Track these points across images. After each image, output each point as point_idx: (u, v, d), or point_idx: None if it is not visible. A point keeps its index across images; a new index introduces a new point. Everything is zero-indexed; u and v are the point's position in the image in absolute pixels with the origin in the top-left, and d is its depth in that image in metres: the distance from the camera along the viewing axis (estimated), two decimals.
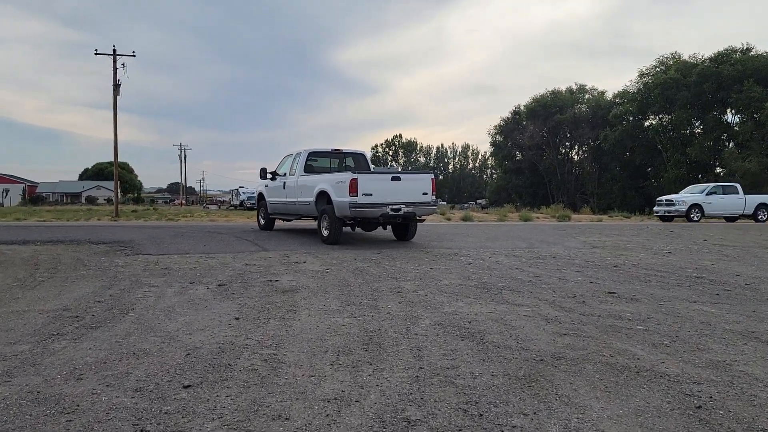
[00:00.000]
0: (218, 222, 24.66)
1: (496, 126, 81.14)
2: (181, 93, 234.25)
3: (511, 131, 77.56)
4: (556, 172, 73.05)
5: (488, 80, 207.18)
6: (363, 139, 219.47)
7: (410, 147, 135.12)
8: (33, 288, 6.62)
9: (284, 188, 13.64)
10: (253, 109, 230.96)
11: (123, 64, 33.11)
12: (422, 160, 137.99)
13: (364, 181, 10.78)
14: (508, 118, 79.18)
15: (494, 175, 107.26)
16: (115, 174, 35.62)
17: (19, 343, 4.15)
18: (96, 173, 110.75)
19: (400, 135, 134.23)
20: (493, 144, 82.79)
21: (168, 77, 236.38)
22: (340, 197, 11.04)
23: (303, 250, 10.48)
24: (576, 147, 76.02)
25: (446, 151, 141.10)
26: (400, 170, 12.35)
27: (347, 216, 11.08)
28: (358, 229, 13.75)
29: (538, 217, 28.53)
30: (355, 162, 13.88)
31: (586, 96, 73.85)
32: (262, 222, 15.82)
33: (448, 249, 10.99)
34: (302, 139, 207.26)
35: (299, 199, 12.86)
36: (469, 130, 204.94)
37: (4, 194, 79.69)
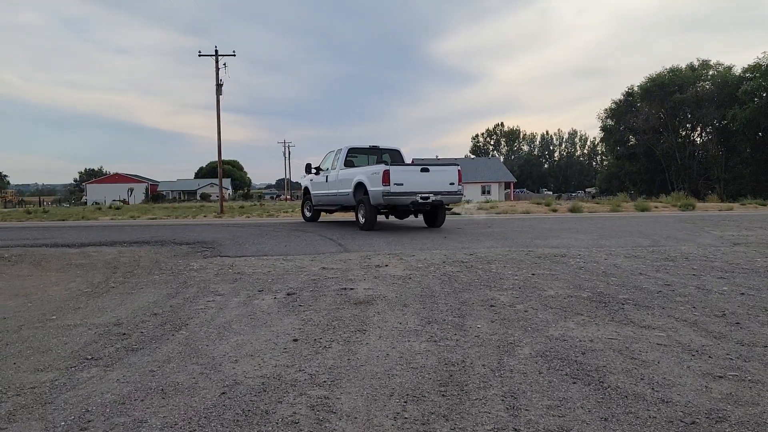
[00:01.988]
0: None
1: (606, 109, 76.07)
2: (287, 91, 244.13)
3: (623, 114, 72.27)
4: (676, 157, 67.04)
5: (597, 62, 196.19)
6: (464, 129, 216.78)
7: (513, 135, 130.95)
8: (100, 296, 6.38)
9: (327, 181, 15.10)
10: (355, 104, 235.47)
11: (224, 64, 34.46)
12: (525, 148, 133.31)
13: (396, 172, 12.14)
14: (620, 101, 73.83)
15: (605, 162, 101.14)
16: (219, 172, 37.12)
17: (48, 370, 3.70)
18: (210, 171, 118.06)
19: (502, 124, 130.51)
20: (604, 129, 77.72)
21: (276, 76, 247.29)
22: (375, 187, 12.39)
23: (388, 250, 9.73)
24: (698, 128, 69.40)
25: (551, 139, 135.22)
26: (420, 163, 13.65)
27: (381, 204, 12.50)
28: (392, 218, 15.28)
29: (656, 207, 25.85)
30: (392, 157, 15.02)
31: (710, 72, 67.01)
32: (308, 214, 17.37)
33: (554, 248, 9.74)
34: (402, 132, 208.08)
35: (340, 191, 14.27)
36: (577, 115, 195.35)
37: (130, 193, 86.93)
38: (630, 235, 12.11)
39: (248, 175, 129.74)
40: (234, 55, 35.87)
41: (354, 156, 14.72)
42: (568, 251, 9.25)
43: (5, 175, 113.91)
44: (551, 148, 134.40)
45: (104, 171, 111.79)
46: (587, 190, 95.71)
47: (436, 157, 72.64)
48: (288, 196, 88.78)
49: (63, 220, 24.66)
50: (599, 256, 8.59)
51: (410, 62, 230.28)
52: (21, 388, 3.36)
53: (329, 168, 15.16)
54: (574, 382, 3.28)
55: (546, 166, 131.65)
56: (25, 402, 3.15)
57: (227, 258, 9.07)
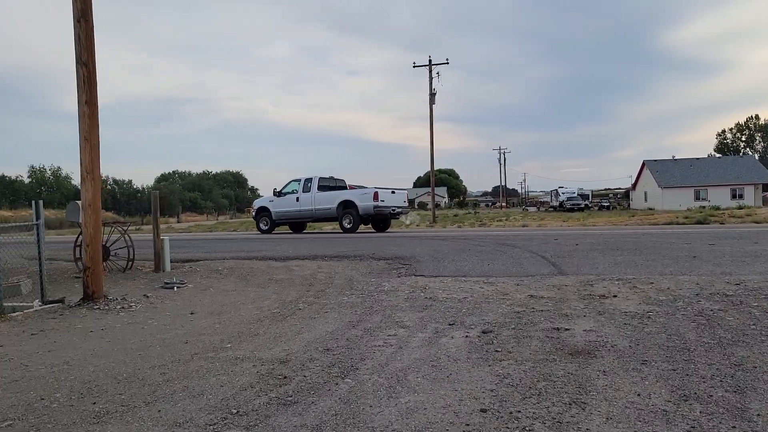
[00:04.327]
0: (530, 227, 23.23)
1: None
2: (502, 97, 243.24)
3: None
4: None
5: None
6: (703, 126, 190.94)
7: None
8: (284, 319, 6.05)
9: (297, 201, 19.82)
10: (576, 105, 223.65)
11: (438, 73, 34.87)
12: None
13: (381, 193, 18.75)
14: None
15: None
16: (431, 181, 37.64)
17: (186, 426, 3.18)
18: (427, 180, 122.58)
19: (756, 116, 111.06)
20: None
21: (491, 83, 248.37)
22: (365, 202, 18.61)
23: (616, 274, 8.00)
24: None
25: None
26: (391, 188, 19.85)
27: (370, 214, 18.85)
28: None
29: None
30: (339, 183, 20.91)
31: None
32: (264, 228, 21.08)
33: None
34: (629, 131, 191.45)
35: (317, 207, 19.34)
36: None
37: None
38: None
39: (463, 183, 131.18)
40: (447, 63, 35.95)
41: (323, 183, 20.07)
42: None
43: (256, 189, 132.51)
44: None
45: None
46: None
47: (672, 157, 64.19)
48: (504, 204, 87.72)
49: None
50: None
51: (637, 56, 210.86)
52: None
53: (297, 191, 19.95)
54: None
55: None
56: None
57: (422, 278, 8.31)
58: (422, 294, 7.02)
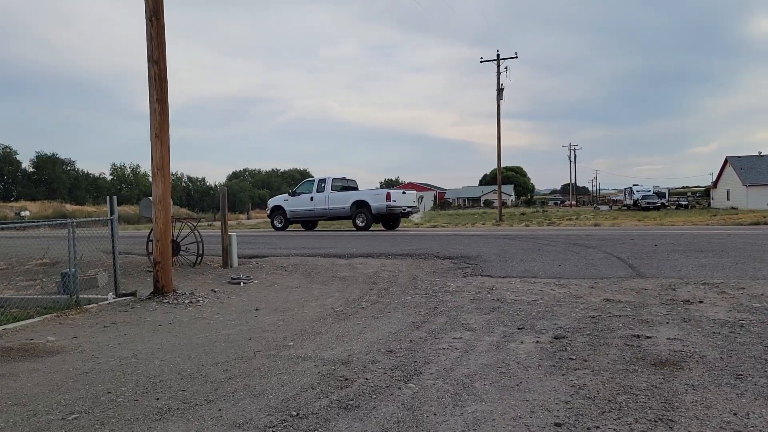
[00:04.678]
0: (603, 226, 22.28)
1: None
2: (573, 92, 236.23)
3: None
4: None
5: None
6: None
7: None
8: (347, 318, 5.97)
9: (312, 200, 20.82)
10: (648, 99, 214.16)
11: (506, 68, 33.99)
12: None
13: (393, 194, 19.86)
14: None
15: None
16: (498, 178, 36.79)
17: (245, 427, 3.12)
18: (493, 178, 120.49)
19: None
20: None
21: (558, 77, 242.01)
22: (378, 202, 19.43)
23: (701, 276, 7.44)
24: None
25: None
26: (402, 190, 21.66)
27: (382, 213, 19.72)
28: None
29: None
30: (351, 184, 21.96)
31: None
32: (279, 225, 22.04)
33: None
34: (709, 126, 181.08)
35: (331, 206, 20.42)
36: None
37: (420, 201, 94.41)
38: None
39: (531, 181, 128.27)
40: (516, 57, 34.88)
41: (336, 184, 21.18)
42: None
43: None
44: None
45: (400, 180, 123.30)
46: None
47: (759, 153, 59.79)
48: (573, 202, 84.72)
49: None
50: None
51: (717, 47, 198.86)
52: None
53: (313, 191, 20.94)
54: None
55: None
56: None
57: (488, 278, 8.03)
58: (489, 295, 6.76)
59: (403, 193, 20.91)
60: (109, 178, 72.82)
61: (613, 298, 6.28)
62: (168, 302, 7.34)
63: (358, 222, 19.94)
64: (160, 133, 7.61)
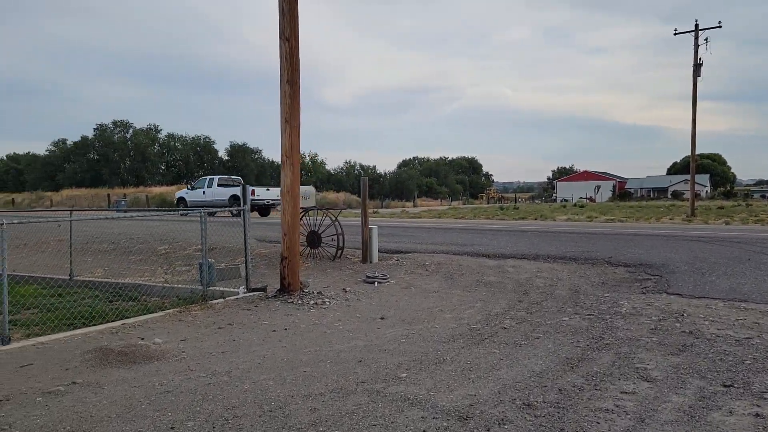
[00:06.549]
0: None
1: None
2: None
3: None
4: None
5: None
6: None
7: None
8: (479, 342, 4.88)
9: (203, 194, 27.15)
10: None
11: (707, 39, 29.52)
12: None
13: (257, 190, 26.39)
14: None
15: None
16: (691, 167, 32.16)
17: None
18: (684, 167, 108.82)
19: None
20: None
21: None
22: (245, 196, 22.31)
23: None
24: None
25: None
26: (266, 187, 29.58)
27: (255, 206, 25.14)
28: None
29: None
30: (235, 182, 28.99)
31: None
32: (183, 213, 26.37)
33: None
34: None
35: (215, 198, 26.14)
36: None
37: (596, 190, 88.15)
38: None
39: (732, 170, 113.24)
40: (719, 27, 29.99)
41: (223, 181, 27.98)
42: None
43: (490, 174, 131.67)
44: None
45: (574, 169, 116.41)
46: None
47: None
48: None
49: (522, 218, 25.25)
50: None
51: None
52: None
53: (204, 186, 27.65)
54: None
55: None
56: None
57: (677, 298, 6.29)
58: (678, 324, 5.16)
59: (267, 189, 27.52)
60: None
61: None
62: (292, 302, 6.84)
63: (233, 210, 25.05)
64: (290, 118, 7.10)
